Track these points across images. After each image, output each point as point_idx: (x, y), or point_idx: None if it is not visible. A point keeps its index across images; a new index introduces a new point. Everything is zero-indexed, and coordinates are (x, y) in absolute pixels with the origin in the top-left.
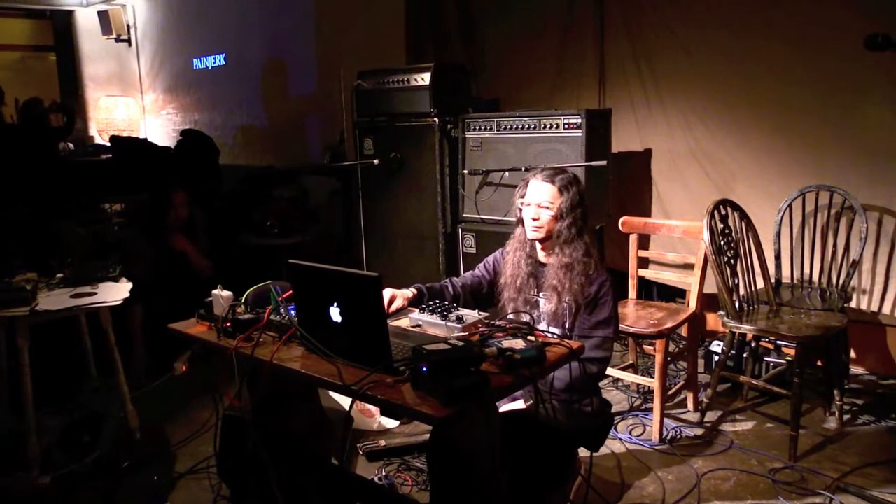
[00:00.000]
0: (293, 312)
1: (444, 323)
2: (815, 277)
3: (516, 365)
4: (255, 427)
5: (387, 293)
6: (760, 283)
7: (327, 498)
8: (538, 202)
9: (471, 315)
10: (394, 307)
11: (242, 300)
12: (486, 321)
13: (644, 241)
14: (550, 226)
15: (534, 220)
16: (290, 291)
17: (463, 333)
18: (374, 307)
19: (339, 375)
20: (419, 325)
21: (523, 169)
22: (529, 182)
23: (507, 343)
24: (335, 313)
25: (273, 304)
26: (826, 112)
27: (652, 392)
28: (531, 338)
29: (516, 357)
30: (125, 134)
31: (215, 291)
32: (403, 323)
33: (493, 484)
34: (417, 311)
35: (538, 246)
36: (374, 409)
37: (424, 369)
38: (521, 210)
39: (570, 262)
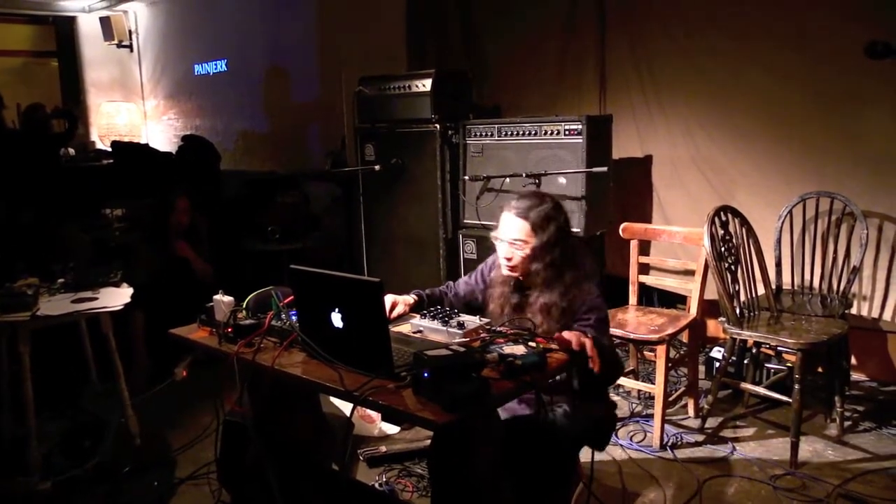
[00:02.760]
0: (294, 318)
1: (445, 329)
2: (816, 284)
3: (517, 371)
4: (256, 432)
5: (388, 299)
6: (761, 290)
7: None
8: (510, 239)
9: (472, 321)
10: (395, 313)
11: (244, 305)
12: (488, 327)
13: (645, 248)
14: (525, 265)
15: (506, 259)
16: (292, 297)
17: (464, 339)
18: (376, 313)
19: (340, 381)
20: (420, 331)
21: (524, 175)
22: (503, 214)
23: (508, 349)
24: (337, 319)
25: (274, 310)
26: (827, 119)
27: (652, 398)
28: (532, 344)
29: (517, 363)
30: (126, 139)
31: (217, 297)
32: (405, 329)
33: (495, 490)
34: (419, 316)
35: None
36: (375, 415)
37: (426, 375)
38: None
39: (547, 303)
